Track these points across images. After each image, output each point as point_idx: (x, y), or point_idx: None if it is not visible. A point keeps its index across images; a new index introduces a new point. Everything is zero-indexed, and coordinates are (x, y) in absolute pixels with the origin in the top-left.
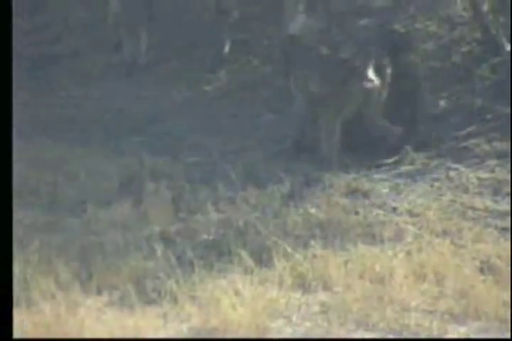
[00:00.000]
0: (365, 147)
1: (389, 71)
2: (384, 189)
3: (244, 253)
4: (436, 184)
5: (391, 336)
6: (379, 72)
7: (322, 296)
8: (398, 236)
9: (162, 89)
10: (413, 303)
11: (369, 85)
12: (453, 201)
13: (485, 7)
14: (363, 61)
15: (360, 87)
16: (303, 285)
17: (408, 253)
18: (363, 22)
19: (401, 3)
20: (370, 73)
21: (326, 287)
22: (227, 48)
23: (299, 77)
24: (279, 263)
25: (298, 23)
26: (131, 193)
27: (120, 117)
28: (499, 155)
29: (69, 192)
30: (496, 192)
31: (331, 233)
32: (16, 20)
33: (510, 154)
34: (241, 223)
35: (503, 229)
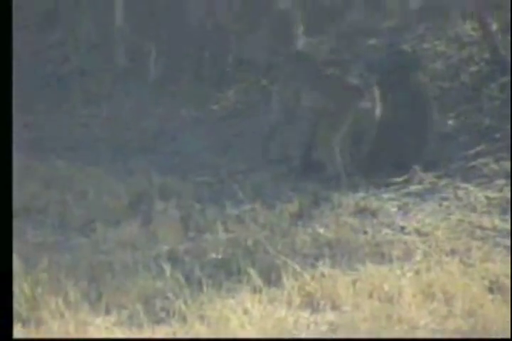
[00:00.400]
0: (374, 165)
1: (393, 91)
2: (392, 208)
3: (252, 273)
4: (445, 203)
5: None
6: (383, 92)
7: (330, 315)
8: (407, 256)
9: (171, 108)
10: (422, 322)
11: (364, 105)
12: (461, 220)
13: (494, 27)
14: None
15: (355, 106)
16: (311, 304)
17: (417, 272)
18: (372, 42)
19: (409, 23)
20: (368, 93)
21: (335, 306)
22: (235, 67)
23: (291, 89)
24: (288, 283)
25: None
26: (140, 212)
27: (129, 136)
28: (508, 175)
29: (78, 211)
30: (504, 211)
31: (339, 252)
32: (25, 40)
33: None
34: (250, 242)
35: None
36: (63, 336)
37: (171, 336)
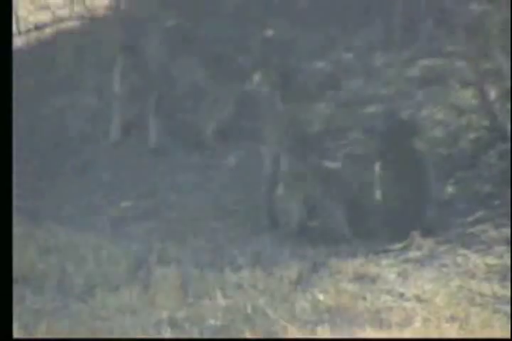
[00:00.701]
0: (373, 231)
1: (392, 158)
2: (392, 274)
3: (252, 338)
4: (444, 269)
5: None
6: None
7: None
8: (406, 322)
9: (171, 176)
10: None
11: (329, 165)
12: (461, 287)
13: (493, 94)
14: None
15: (319, 165)
16: None
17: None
18: (370, 109)
19: (408, 91)
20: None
21: None
22: (233, 134)
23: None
24: None
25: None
26: (139, 278)
27: (128, 202)
28: (507, 242)
29: (77, 277)
30: (504, 278)
31: (338, 318)
32: (24, 108)
33: None
34: (249, 308)
35: None
36: None
37: None
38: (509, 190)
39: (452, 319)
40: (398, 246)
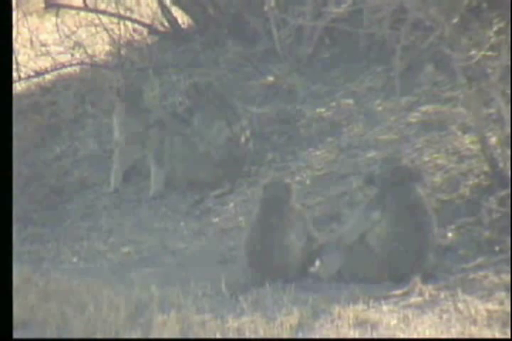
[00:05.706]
0: (374, 277)
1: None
2: (393, 320)
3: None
4: (445, 315)
5: None
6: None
7: None
8: None
9: (171, 221)
10: None
11: None
12: (462, 333)
13: (493, 140)
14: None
15: None
16: None
17: None
18: (371, 154)
19: (409, 137)
20: None
21: None
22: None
23: None
24: None
25: None
26: (139, 325)
27: (129, 248)
28: (508, 288)
29: (77, 323)
30: (504, 324)
31: None
32: (25, 153)
33: None
34: None
35: None
36: None
37: None
38: (509, 236)
39: None
40: (399, 291)
